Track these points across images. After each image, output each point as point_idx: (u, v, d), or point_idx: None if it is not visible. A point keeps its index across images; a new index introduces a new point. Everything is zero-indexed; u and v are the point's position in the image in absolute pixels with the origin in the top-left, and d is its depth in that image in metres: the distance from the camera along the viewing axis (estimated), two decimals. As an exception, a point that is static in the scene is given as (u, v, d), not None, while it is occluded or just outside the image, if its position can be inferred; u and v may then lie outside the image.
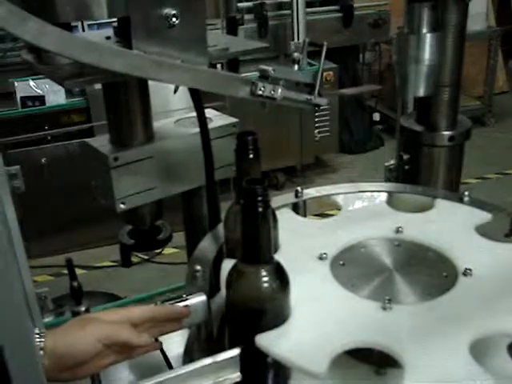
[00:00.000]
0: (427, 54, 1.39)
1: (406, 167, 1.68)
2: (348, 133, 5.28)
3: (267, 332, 1.01)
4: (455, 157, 1.70)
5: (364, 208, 1.49)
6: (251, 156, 1.16)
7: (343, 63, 4.93)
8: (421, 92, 1.43)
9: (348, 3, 4.87)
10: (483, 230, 1.39)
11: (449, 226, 1.39)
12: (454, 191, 1.72)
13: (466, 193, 1.51)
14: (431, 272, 1.25)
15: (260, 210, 0.96)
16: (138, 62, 1.16)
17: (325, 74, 4.66)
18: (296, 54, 1.32)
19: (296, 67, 1.32)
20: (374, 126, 5.41)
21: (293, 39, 4.49)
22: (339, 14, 4.93)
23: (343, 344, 1.02)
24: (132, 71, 1.15)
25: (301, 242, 1.33)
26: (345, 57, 5.01)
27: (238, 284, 1.03)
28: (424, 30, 1.38)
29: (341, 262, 1.27)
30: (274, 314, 1.02)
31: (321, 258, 1.26)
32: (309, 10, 4.68)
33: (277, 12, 4.74)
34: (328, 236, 1.35)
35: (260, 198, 0.96)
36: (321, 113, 4.68)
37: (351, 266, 1.26)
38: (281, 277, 1.03)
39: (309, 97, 1.30)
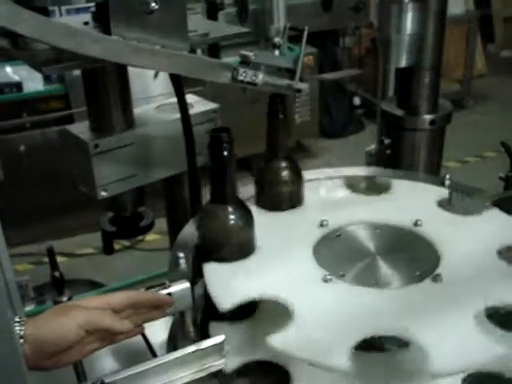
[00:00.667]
0: (409, 23, 1.37)
1: (388, 152, 1.68)
2: (328, 117, 5.27)
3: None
4: (436, 140, 1.70)
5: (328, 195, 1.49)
6: (225, 154, 1.16)
7: (323, 47, 4.90)
8: (403, 62, 1.41)
9: (328, -13, 4.83)
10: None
11: (412, 203, 1.41)
12: (435, 175, 1.73)
13: (448, 176, 1.52)
14: (414, 254, 1.26)
15: (225, 153, 1.13)
16: (116, 48, 1.14)
17: (305, 58, 4.60)
18: (277, 39, 1.31)
19: (277, 52, 1.30)
20: (355, 110, 5.41)
21: (273, 23, 4.44)
22: (320, -3, 4.89)
23: (362, 333, 1.01)
24: (111, 57, 1.13)
25: (276, 237, 1.31)
26: (325, 41, 4.98)
27: (207, 222, 1.20)
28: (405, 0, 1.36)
29: (323, 249, 1.27)
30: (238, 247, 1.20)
31: (301, 246, 1.26)
32: (288, -7, 4.63)
33: (255, -4, 4.69)
34: (301, 228, 1.35)
35: (225, 145, 1.12)
36: (301, 97, 4.66)
37: (334, 251, 1.27)
38: (244, 214, 1.21)
39: (290, 82, 1.29)
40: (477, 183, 1.56)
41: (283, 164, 1.41)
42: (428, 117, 1.64)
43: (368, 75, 5.08)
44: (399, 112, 1.68)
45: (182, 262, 1.22)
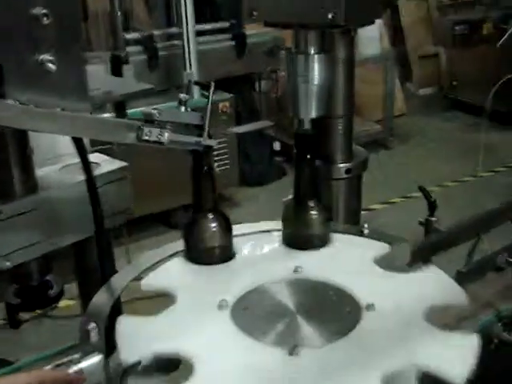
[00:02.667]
0: (316, 73, 1.42)
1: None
2: (249, 164, 5.35)
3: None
4: (353, 188, 1.76)
5: (260, 249, 1.53)
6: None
7: (239, 93, 5.00)
8: (312, 113, 1.46)
9: (240, 32, 4.95)
10: (385, 261, 1.46)
11: (348, 260, 1.45)
12: (355, 222, 1.78)
13: (366, 225, 1.58)
14: (334, 311, 1.29)
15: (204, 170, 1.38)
16: (12, 113, 1.14)
17: (221, 105, 4.70)
18: (182, 95, 1.35)
19: (183, 108, 1.34)
20: (275, 156, 5.51)
21: (185, 70, 4.52)
22: (232, 43, 5.00)
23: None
24: (6, 122, 1.14)
25: (197, 291, 1.34)
26: (240, 86, 5.09)
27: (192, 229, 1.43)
28: (312, 51, 1.42)
29: (242, 309, 1.29)
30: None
31: (221, 306, 1.28)
32: (200, 39, 4.71)
33: (167, 43, 4.75)
34: (225, 282, 1.38)
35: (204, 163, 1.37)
36: (219, 145, 4.71)
37: (253, 312, 1.29)
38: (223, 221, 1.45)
39: (198, 139, 1.32)
40: (404, 225, 1.63)
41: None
42: (343, 166, 1.70)
43: (287, 119, 5.20)
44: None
45: (94, 333, 1.22)
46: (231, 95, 4.80)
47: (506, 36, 2.66)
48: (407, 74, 8.19)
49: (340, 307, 1.29)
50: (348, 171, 1.70)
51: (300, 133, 1.41)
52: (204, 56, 4.69)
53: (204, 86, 1.39)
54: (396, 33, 7.98)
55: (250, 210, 4.95)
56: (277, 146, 5.49)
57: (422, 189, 1.72)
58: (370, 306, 1.25)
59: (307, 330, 1.23)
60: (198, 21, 4.57)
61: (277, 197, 1.80)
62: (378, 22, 5.86)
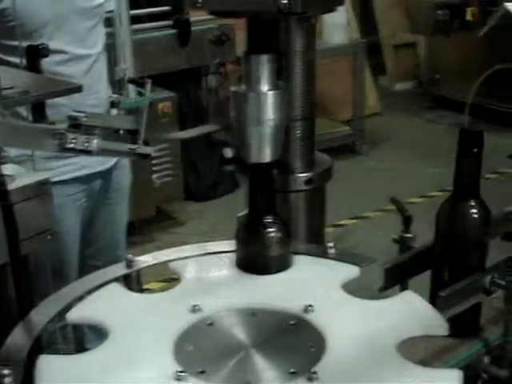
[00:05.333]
0: (270, 113, 1.42)
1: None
2: (195, 175, 5.34)
3: None
4: (316, 202, 1.78)
5: (209, 273, 1.55)
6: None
7: (183, 91, 4.99)
8: (267, 157, 1.47)
9: (183, 17, 4.93)
10: (354, 287, 1.49)
11: (312, 286, 1.48)
12: (318, 242, 1.79)
13: (331, 244, 1.60)
14: (294, 344, 1.31)
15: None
16: None
17: (161, 105, 4.67)
18: (115, 96, 1.36)
19: (115, 111, 1.35)
20: (226, 165, 5.50)
21: (118, 64, 4.46)
22: (174, 31, 4.98)
23: None
24: None
25: (135, 325, 1.36)
26: (185, 83, 5.07)
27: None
28: (265, 88, 1.42)
29: (186, 346, 1.30)
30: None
31: (160, 344, 1.29)
32: (135, 26, 4.66)
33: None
34: (167, 314, 1.39)
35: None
36: (159, 153, 4.70)
37: (199, 348, 1.30)
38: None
39: (132, 146, 1.34)
40: (378, 243, 1.64)
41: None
42: (303, 175, 1.72)
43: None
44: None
45: (8, 380, 1.21)
46: (174, 94, 4.81)
47: (488, 24, 2.71)
48: (381, 66, 8.27)
49: (300, 340, 1.31)
50: (309, 182, 1.72)
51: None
52: (140, 47, 4.66)
53: (139, 84, 1.40)
54: (367, 19, 8.08)
55: (198, 228, 4.94)
56: (228, 153, 5.48)
57: (394, 201, 1.75)
58: (334, 339, 1.28)
59: (262, 366, 1.25)
60: (133, 5, 4.55)
61: (228, 213, 1.81)
62: (345, 6, 5.92)
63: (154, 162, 4.71)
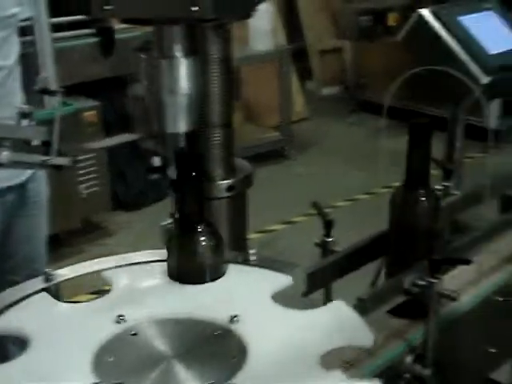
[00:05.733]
0: (184, 81, 1.43)
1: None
2: (123, 184, 5.29)
3: None
4: (238, 208, 1.78)
5: (135, 283, 1.53)
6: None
7: (109, 99, 4.94)
8: (181, 127, 1.48)
9: (106, 25, 4.88)
10: (281, 296, 1.48)
11: (240, 295, 1.48)
12: (241, 247, 1.79)
13: (253, 251, 1.60)
14: (216, 355, 1.30)
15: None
16: None
17: (86, 114, 4.63)
18: (25, 107, 1.33)
19: (25, 122, 1.32)
20: (154, 173, 5.46)
21: (39, 73, 4.40)
22: (97, 39, 4.93)
23: None
24: None
25: (57, 335, 1.33)
26: (110, 91, 5.02)
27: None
28: (178, 54, 1.42)
29: (107, 357, 1.28)
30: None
31: (81, 356, 1.27)
32: (57, 34, 4.59)
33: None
34: (89, 325, 1.37)
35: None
36: (86, 163, 4.67)
37: (120, 360, 1.28)
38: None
39: (45, 158, 1.31)
40: (305, 247, 1.65)
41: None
42: (224, 182, 1.72)
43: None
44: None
45: None
46: (98, 102, 4.78)
47: (406, 27, 2.78)
48: (308, 72, 8.34)
49: (223, 352, 1.31)
50: (230, 189, 1.71)
51: (178, 151, 1.43)
52: (64, 55, 4.61)
53: (51, 94, 1.38)
54: (293, 25, 8.13)
55: (127, 238, 4.93)
56: (156, 161, 5.44)
57: (316, 206, 1.76)
58: (258, 350, 1.27)
59: (182, 378, 1.24)
60: (54, 13, 4.48)
61: (157, 222, 1.80)
62: (270, 12, 5.95)
63: (80, 172, 4.67)
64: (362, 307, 1.50)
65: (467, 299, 1.71)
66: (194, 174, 1.46)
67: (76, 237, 4.88)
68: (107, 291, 1.51)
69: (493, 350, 1.82)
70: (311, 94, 8.04)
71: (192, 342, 1.34)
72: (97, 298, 1.51)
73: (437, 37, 2.74)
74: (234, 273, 1.56)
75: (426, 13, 2.79)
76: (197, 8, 1.26)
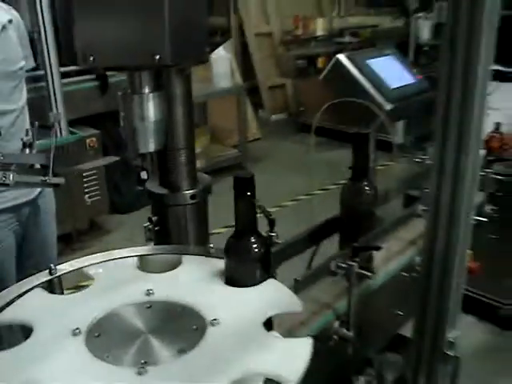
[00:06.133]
0: (151, 111, 1.43)
1: (156, 228, 1.70)
2: (118, 194, 5.26)
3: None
4: (200, 212, 1.74)
5: (115, 275, 1.47)
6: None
7: (105, 128, 4.90)
8: (151, 147, 1.50)
9: (102, 72, 4.87)
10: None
11: (197, 280, 1.43)
12: (204, 244, 1.76)
13: (212, 245, 1.56)
14: (182, 328, 1.26)
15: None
16: None
17: (88, 140, 4.63)
18: (26, 138, 1.29)
19: (27, 150, 1.28)
20: (143, 184, 5.43)
21: (51, 111, 4.38)
22: (96, 83, 4.92)
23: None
24: None
25: (53, 321, 1.27)
26: (106, 122, 4.98)
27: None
28: (146, 90, 1.41)
29: (96, 335, 1.23)
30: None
31: (74, 334, 1.21)
32: (65, 80, 4.58)
33: (32, 85, 4.58)
34: (80, 310, 1.31)
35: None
36: (89, 178, 4.67)
37: (106, 336, 1.23)
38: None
39: (44, 178, 1.27)
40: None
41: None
42: (188, 192, 1.68)
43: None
44: (162, 191, 1.72)
45: None
46: (98, 131, 4.75)
47: (325, 70, 2.84)
48: (260, 103, 8.38)
49: (188, 325, 1.26)
50: (193, 197, 1.68)
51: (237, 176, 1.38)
52: (70, 96, 4.59)
53: (48, 128, 1.34)
54: (247, 67, 8.15)
55: (122, 235, 4.89)
56: (144, 175, 5.40)
57: (261, 208, 1.73)
58: (214, 322, 1.24)
59: (157, 348, 1.20)
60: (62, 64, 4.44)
61: (145, 222, 1.76)
62: (228, 57, 5.96)
63: (85, 185, 4.68)
64: (298, 287, 1.49)
65: (380, 276, 1.70)
66: (248, 194, 1.39)
67: (84, 235, 4.87)
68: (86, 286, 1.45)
69: (400, 313, 1.83)
70: (263, 120, 8.08)
71: (162, 320, 1.29)
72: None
73: (350, 75, 2.79)
74: (191, 262, 1.51)
75: (342, 57, 2.83)
76: (158, 56, 1.23)
